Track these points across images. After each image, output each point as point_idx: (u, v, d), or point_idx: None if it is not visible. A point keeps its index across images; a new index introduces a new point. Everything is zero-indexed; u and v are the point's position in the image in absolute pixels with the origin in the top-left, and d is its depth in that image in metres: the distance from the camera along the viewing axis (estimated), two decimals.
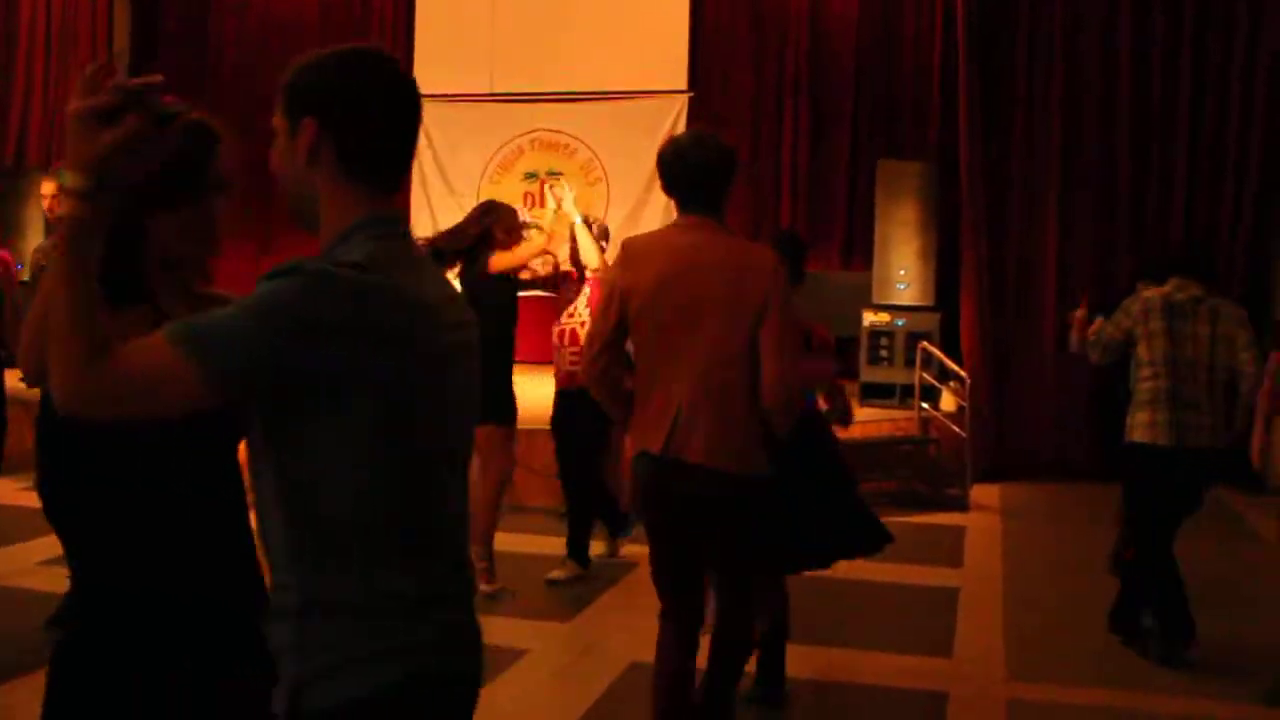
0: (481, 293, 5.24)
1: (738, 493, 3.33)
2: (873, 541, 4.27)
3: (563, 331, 5.97)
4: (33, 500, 2.08)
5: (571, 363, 5.76)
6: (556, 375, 6.08)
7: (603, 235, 6.06)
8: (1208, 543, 6.16)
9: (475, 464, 5.27)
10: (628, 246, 3.47)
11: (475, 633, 1.79)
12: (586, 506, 6.11)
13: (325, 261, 1.61)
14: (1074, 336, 5.54)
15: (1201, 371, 4.93)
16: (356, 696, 1.62)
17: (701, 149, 3.36)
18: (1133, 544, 5.35)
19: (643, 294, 3.30)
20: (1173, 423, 4.89)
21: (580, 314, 5.88)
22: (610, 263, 5.54)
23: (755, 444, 3.33)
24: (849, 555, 4.34)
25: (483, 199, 11.67)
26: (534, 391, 6.86)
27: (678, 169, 3.36)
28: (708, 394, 3.26)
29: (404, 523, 1.66)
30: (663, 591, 3.51)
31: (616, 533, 6.37)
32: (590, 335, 3.50)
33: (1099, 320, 5.35)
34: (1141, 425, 4.98)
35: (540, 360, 8.12)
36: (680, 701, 3.48)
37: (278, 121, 1.70)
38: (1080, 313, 5.58)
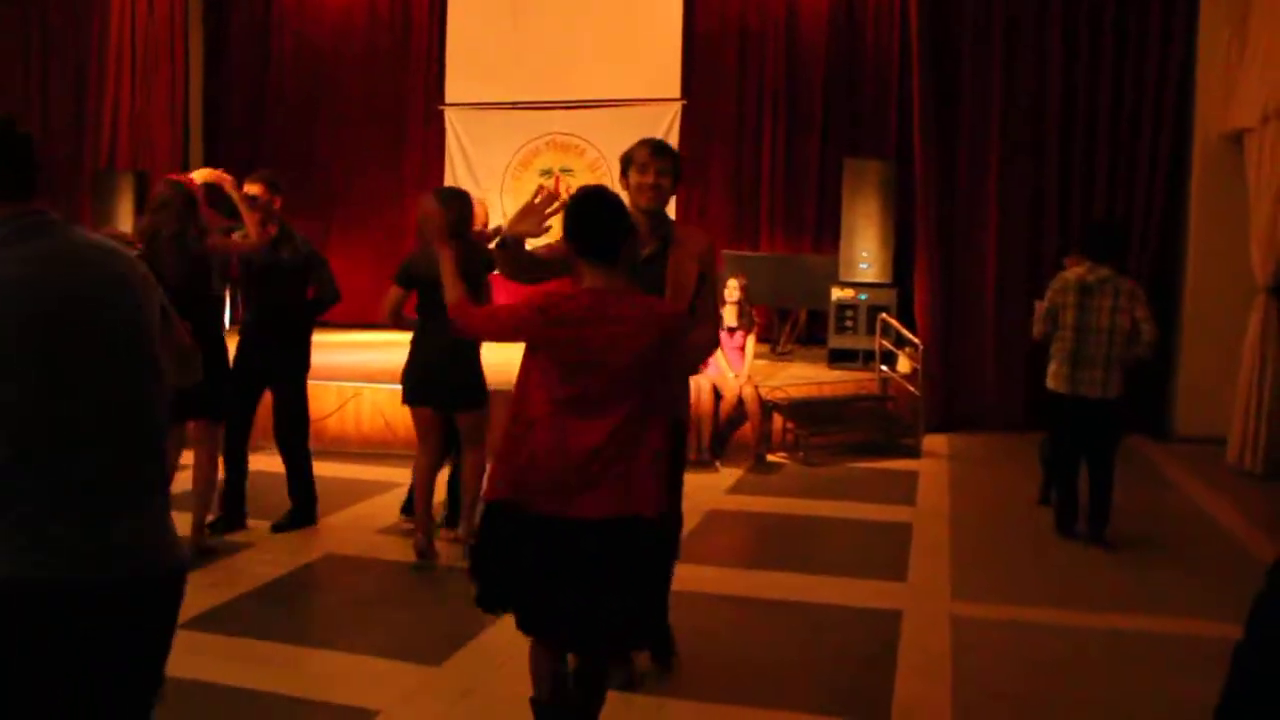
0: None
1: None
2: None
3: None
4: None
5: None
6: None
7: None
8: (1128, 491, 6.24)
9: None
10: None
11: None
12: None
13: None
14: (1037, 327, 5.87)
15: (1102, 335, 5.49)
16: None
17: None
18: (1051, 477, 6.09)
19: None
20: (1070, 377, 5.56)
21: None
22: None
23: None
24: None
25: (506, 192, 11.75)
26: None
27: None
28: None
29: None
30: None
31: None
32: None
33: (1040, 304, 5.82)
34: (1051, 375, 5.67)
35: None
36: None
37: None
38: (1041, 304, 5.86)
